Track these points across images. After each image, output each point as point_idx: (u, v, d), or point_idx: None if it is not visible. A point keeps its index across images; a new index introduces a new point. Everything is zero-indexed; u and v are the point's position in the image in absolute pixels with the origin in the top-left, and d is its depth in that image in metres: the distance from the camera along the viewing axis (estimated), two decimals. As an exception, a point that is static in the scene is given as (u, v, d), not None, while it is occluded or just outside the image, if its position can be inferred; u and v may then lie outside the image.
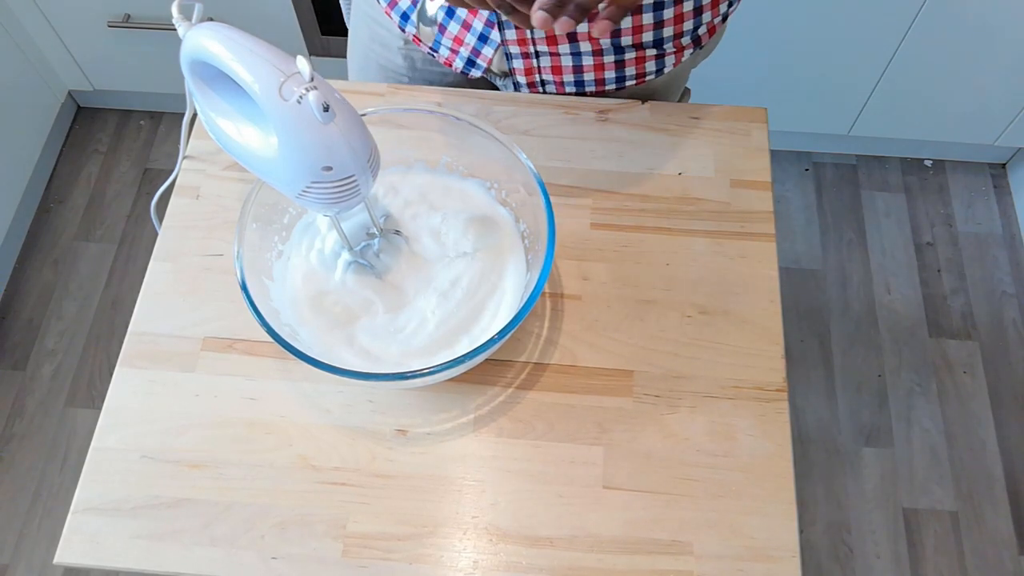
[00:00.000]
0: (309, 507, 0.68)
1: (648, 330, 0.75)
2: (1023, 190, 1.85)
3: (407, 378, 0.64)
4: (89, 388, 1.64)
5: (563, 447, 0.70)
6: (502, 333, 0.63)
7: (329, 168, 0.60)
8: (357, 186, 0.62)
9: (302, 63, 0.57)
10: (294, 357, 0.62)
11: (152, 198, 0.82)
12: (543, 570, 0.66)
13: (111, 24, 1.62)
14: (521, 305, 0.65)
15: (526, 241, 0.75)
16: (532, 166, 0.69)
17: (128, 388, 0.72)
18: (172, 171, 0.83)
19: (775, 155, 1.86)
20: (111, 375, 0.73)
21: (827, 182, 1.89)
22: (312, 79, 0.57)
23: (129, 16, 1.62)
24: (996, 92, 1.65)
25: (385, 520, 0.67)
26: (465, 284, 0.73)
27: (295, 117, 0.57)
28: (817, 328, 1.72)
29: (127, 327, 0.75)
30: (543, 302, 0.76)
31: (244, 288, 0.65)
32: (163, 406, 0.71)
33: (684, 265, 0.78)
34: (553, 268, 0.77)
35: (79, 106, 1.96)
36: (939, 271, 1.79)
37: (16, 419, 1.61)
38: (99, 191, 1.85)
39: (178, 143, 0.82)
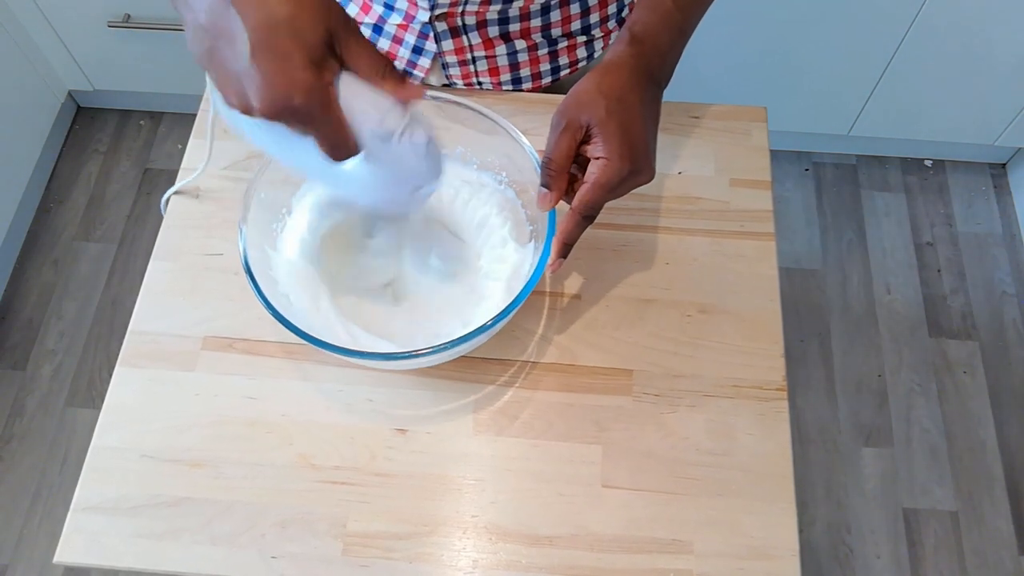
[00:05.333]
0: (310, 506, 0.68)
1: (648, 329, 0.75)
2: (1023, 190, 1.85)
3: (395, 359, 0.63)
4: (89, 388, 1.64)
5: (563, 446, 0.70)
6: (498, 318, 0.63)
7: (417, 189, 0.61)
8: (431, 195, 0.63)
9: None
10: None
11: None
12: (543, 569, 0.66)
13: (111, 24, 1.62)
14: (517, 293, 0.65)
15: (533, 234, 0.74)
16: (537, 158, 0.69)
17: (128, 387, 0.72)
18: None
19: (775, 155, 1.86)
20: (111, 375, 0.73)
21: (827, 182, 1.89)
22: (406, 110, 0.57)
23: (129, 16, 1.62)
24: (996, 92, 1.64)
25: (385, 519, 0.67)
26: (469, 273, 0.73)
27: (395, 152, 0.57)
28: (817, 328, 1.72)
29: (127, 327, 0.75)
30: (543, 301, 0.76)
31: (247, 269, 0.65)
32: (163, 405, 0.72)
33: (684, 264, 0.78)
34: (553, 267, 0.77)
35: (79, 106, 1.96)
36: (939, 271, 1.79)
37: (16, 419, 1.61)
38: (99, 191, 1.85)
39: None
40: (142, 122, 1.94)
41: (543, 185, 0.65)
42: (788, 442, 0.70)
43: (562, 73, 0.90)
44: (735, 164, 0.83)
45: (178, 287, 0.77)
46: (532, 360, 0.74)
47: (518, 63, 0.87)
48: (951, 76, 1.61)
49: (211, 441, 0.70)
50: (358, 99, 0.55)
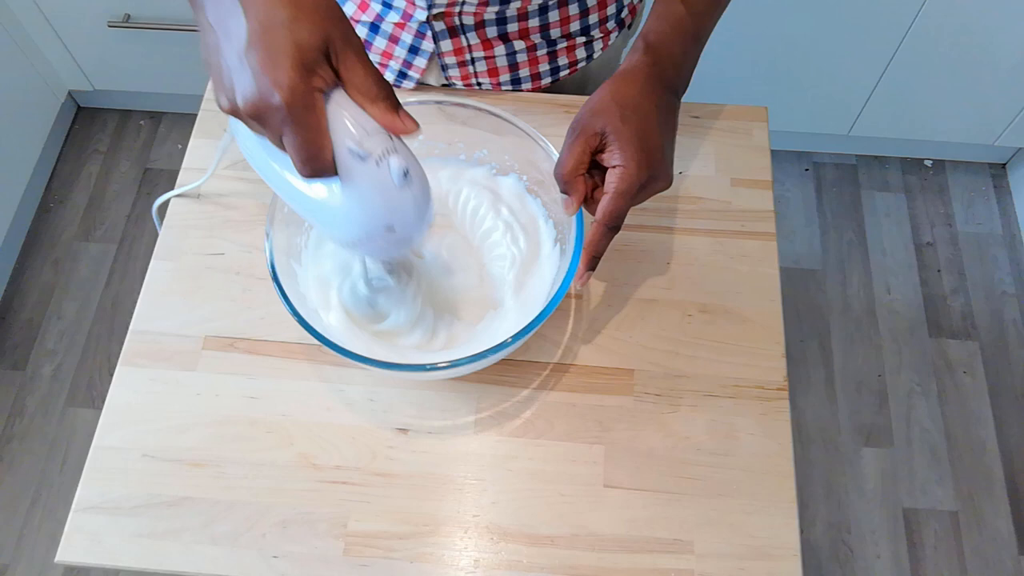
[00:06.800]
0: (310, 506, 0.68)
1: (649, 329, 0.75)
2: (1023, 190, 1.85)
3: (418, 370, 0.63)
4: (89, 388, 1.64)
5: (564, 446, 0.70)
6: (525, 331, 0.63)
7: (392, 229, 0.57)
8: (411, 243, 0.60)
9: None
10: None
11: (152, 198, 0.81)
12: (544, 569, 0.66)
13: (111, 24, 1.62)
14: (542, 308, 0.65)
15: (558, 239, 0.74)
16: (555, 152, 0.69)
17: (129, 387, 0.72)
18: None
19: (775, 155, 1.86)
20: (111, 375, 0.73)
21: (827, 182, 1.89)
22: (392, 139, 0.54)
23: (129, 16, 1.62)
24: (996, 92, 1.65)
25: (386, 519, 0.67)
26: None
27: (370, 177, 0.53)
28: (817, 328, 1.72)
29: (127, 327, 0.75)
30: (544, 301, 0.76)
31: (275, 277, 0.64)
32: (164, 405, 0.72)
33: (685, 264, 0.78)
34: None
35: (79, 106, 1.96)
36: (939, 271, 1.79)
37: (16, 419, 1.61)
38: (99, 191, 1.85)
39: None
40: (142, 122, 1.94)
41: (562, 191, 0.65)
42: (789, 442, 0.70)
43: (562, 74, 0.90)
44: (736, 164, 0.83)
45: (179, 287, 0.77)
46: (534, 360, 0.74)
47: (517, 64, 0.87)
48: (951, 76, 1.61)
49: (212, 441, 0.70)
50: (343, 116, 0.52)
